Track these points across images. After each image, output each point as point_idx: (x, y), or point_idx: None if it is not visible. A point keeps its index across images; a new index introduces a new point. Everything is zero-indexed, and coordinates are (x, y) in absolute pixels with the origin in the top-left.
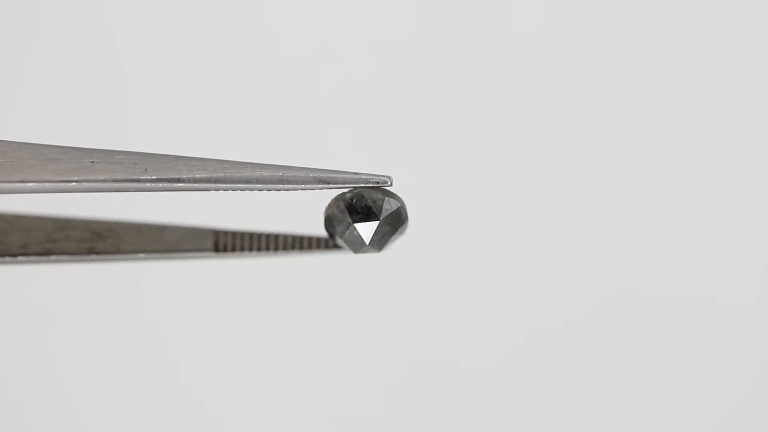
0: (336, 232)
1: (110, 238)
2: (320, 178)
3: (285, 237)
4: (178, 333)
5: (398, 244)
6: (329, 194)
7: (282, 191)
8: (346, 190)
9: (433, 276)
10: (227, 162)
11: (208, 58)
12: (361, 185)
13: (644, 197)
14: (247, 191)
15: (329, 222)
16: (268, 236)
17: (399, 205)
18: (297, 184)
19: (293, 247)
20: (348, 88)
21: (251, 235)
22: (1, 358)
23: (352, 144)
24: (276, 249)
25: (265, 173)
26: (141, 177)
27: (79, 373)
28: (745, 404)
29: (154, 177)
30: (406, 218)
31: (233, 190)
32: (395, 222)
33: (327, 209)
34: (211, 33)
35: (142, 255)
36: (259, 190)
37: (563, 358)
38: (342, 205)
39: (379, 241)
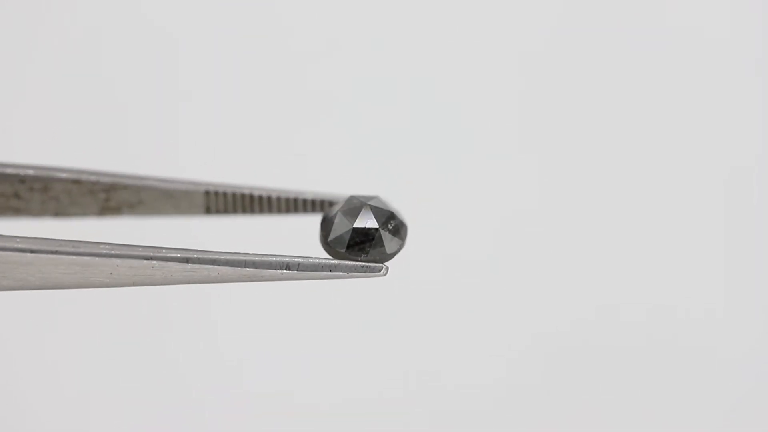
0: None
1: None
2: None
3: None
4: (182, 339)
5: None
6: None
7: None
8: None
9: (433, 283)
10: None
11: (205, 60)
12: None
13: (644, 199)
14: None
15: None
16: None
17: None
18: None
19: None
20: (348, 87)
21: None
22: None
23: (354, 143)
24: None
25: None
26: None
27: (77, 370)
28: (749, 404)
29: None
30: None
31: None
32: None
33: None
34: (208, 36)
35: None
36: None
37: (563, 366)
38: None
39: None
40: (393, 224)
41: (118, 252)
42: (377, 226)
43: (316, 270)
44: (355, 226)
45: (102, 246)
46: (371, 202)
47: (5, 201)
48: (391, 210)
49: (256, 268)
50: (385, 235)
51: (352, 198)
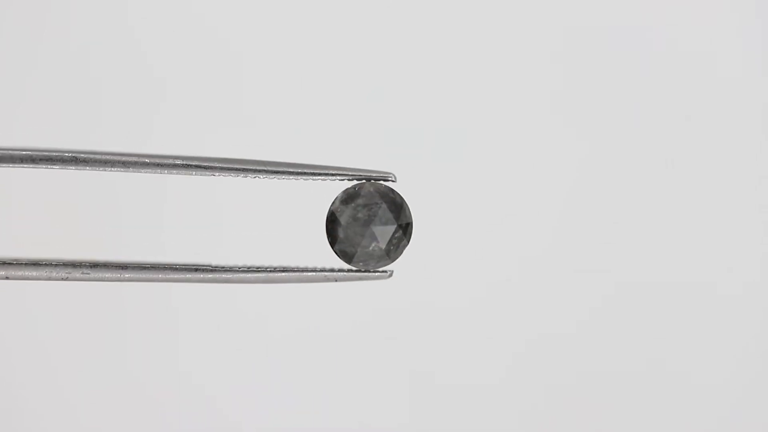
0: (340, 216)
1: None
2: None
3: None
4: (180, 335)
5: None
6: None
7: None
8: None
9: (434, 281)
10: None
11: (202, 59)
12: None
13: (640, 190)
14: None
15: (332, 216)
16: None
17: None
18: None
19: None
20: (347, 88)
21: None
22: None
23: (352, 143)
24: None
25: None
26: None
27: (78, 370)
28: (748, 398)
29: None
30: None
31: None
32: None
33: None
34: (205, 35)
35: None
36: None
37: (566, 361)
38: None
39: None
40: (397, 238)
41: (130, 275)
42: (382, 248)
43: (324, 281)
44: (360, 247)
45: (115, 270)
46: (377, 218)
47: None
48: (396, 223)
49: (269, 282)
50: (390, 252)
51: (358, 204)
